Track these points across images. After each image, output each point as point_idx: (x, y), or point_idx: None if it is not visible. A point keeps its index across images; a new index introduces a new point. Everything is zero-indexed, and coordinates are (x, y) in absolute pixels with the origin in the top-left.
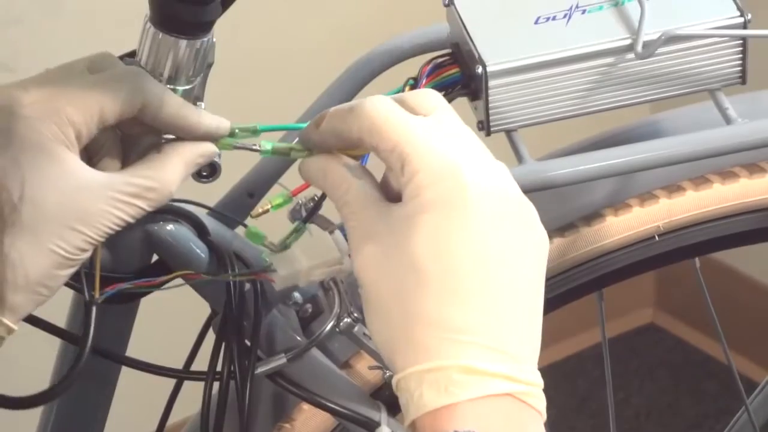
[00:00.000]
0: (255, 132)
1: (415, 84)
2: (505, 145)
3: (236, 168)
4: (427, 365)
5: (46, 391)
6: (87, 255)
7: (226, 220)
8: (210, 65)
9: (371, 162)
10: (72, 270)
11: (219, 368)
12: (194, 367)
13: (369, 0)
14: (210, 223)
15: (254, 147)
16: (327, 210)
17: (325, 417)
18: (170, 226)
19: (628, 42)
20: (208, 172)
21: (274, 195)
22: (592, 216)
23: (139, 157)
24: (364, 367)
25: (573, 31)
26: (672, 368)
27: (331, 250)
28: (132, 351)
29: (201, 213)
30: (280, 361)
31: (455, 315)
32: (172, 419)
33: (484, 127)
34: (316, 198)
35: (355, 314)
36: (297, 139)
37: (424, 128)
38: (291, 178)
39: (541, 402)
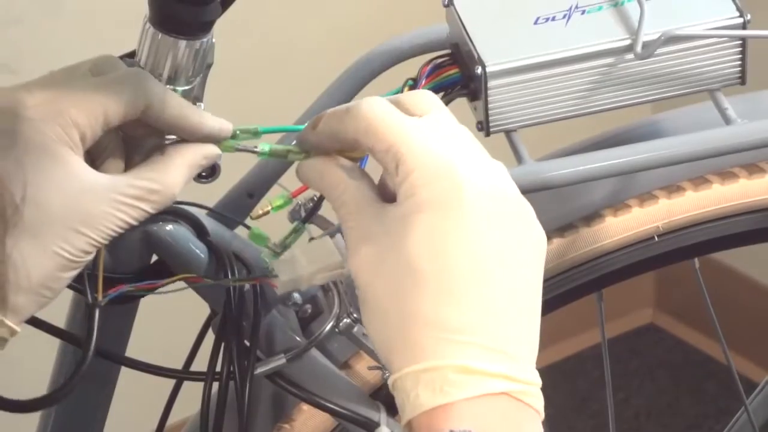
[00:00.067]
0: (256, 134)
1: (414, 84)
2: (504, 145)
3: (236, 168)
4: (423, 365)
5: (48, 395)
6: (90, 257)
7: (226, 221)
8: (209, 66)
9: (369, 165)
10: (75, 272)
11: (218, 368)
12: (194, 368)
13: (369, 0)
14: (209, 223)
15: (254, 149)
16: (326, 211)
17: (325, 417)
18: (170, 227)
19: (627, 42)
20: (207, 172)
21: (275, 196)
22: (592, 216)
23: (142, 159)
24: (364, 368)
25: (572, 31)
26: (672, 368)
27: (333, 253)
28: (132, 351)
29: (200, 213)
30: (279, 361)
31: (451, 315)
32: (172, 419)
33: (484, 127)
34: (315, 198)
35: (355, 315)
36: (295, 141)
37: (419, 129)
38: (290, 179)
39: (539, 401)
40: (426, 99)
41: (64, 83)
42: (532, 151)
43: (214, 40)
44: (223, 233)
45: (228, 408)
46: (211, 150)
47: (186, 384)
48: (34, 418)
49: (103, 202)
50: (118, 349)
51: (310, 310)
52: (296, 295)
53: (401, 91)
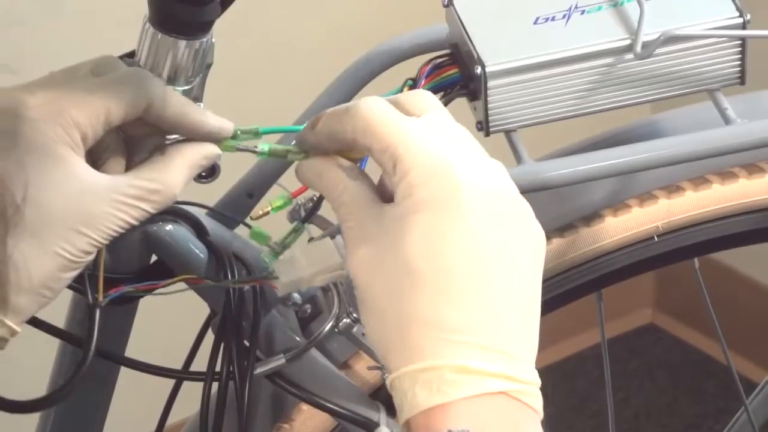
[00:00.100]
0: (256, 134)
1: (413, 85)
2: (504, 145)
3: (235, 168)
4: (421, 365)
5: (48, 395)
6: (91, 257)
7: (227, 220)
8: (209, 66)
9: (369, 166)
10: (75, 272)
11: (218, 368)
12: (193, 368)
13: (369, 0)
14: (209, 223)
15: (254, 149)
16: (326, 211)
17: (324, 417)
18: (169, 227)
19: (627, 42)
20: (207, 173)
21: (275, 197)
22: (592, 216)
23: (143, 159)
24: (363, 368)
25: (572, 31)
26: (671, 368)
27: (333, 255)
28: (131, 351)
29: (200, 213)
30: (279, 361)
31: (449, 315)
32: (172, 419)
33: (483, 127)
34: (314, 198)
35: (354, 315)
36: (294, 141)
37: (417, 128)
38: (290, 179)
39: (537, 400)
40: (424, 99)
41: (65, 84)
42: (532, 151)
43: (213, 40)
44: (223, 233)
45: (227, 408)
46: (212, 150)
47: (185, 384)
48: (34, 417)
49: (103, 203)
50: (118, 349)
51: (309, 310)
52: (296, 295)
53: (401, 91)
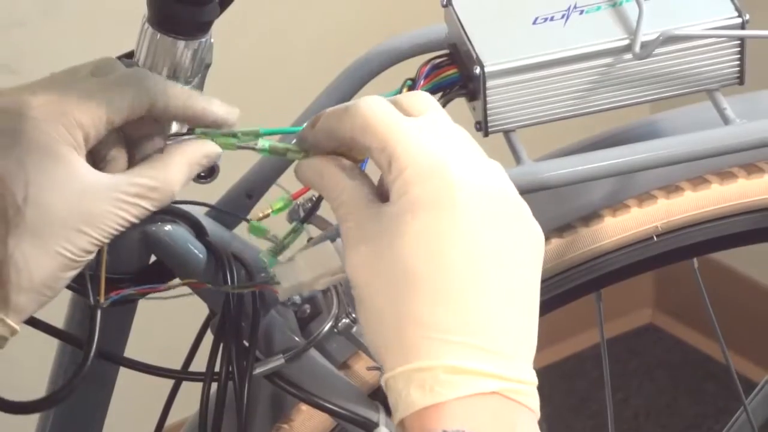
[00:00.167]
0: (257, 136)
1: (413, 85)
2: (503, 145)
3: (235, 168)
4: (416, 365)
5: (48, 396)
6: (91, 257)
7: (226, 220)
8: (208, 66)
9: (370, 167)
10: (76, 272)
11: (217, 369)
12: (192, 368)
13: (368, 0)
14: (208, 224)
15: (255, 146)
16: (325, 212)
17: (324, 417)
18: (168, 227)
19: (626, 42)
20: (206, 173)
21: (275, 199)
22: (591, 216)
23: (143, 158)
24: (363, 368)
25: (571, 31)
26: (671, 368)
27: (333, 258)
28: (130, 351)
29: (200, 214)
30: (278, 361)
31: (445, 315)
32: (171, 420)
33: (482, 127)
34: (314, 199)
35: (353, 315)
36: (294, 141)
37: (414, 128)
38: (289, 179)
39: (534, 400)
40: (422, 100)
41: (67, 84)
42: (531, 151)
43: (212, 40)
44: (222, 234)
45: (227, 408)
46: (212, 148)
47: (185, 384)
48: (33, 417)
49: (104, 201)
50: (117, 349)
51: (308, 311)
52: (295, 296)
53: (400, 91)
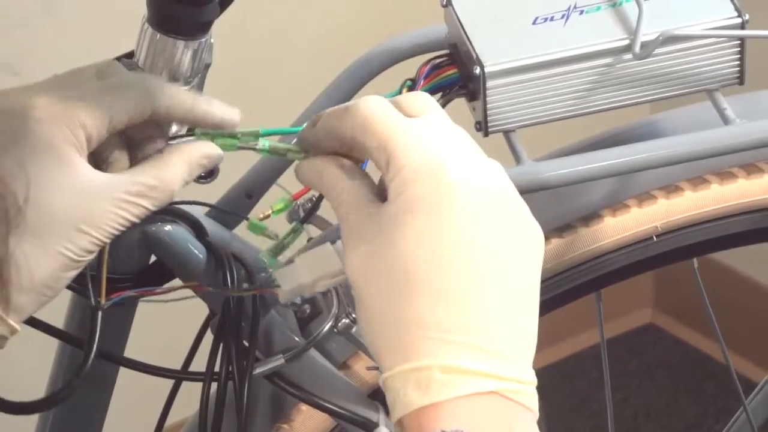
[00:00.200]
0: (257, 136)
1: (413, 85)
2: (503, 145)
3: (235, 168)
4: (413, 364)
5: (48, 397)
6: (92, 257)
7: (227, 219)
8: (208, 66)
9: (370, 168)
10: (76, 271)
11: (217, 369)
12: (192, 368)
13: (368, 0)
14: (208, 224)
15: (255, 146)
16: (325, 212)
17: (324, 417)
18: (168, 227)
19: (626, 42)
20: (206, 173)
21: (275, 201)
22: (590, 217)
23: (144, 159)
24: (362, 368)
25: (571, 31)
26: (671, 368)
27: (333, 260)
28: (130, 351)
29: (199, 214)
30: (278, 361)
31: (444, 315)
32: (171, 420)
33: (482, 127)
34: (314, 199)
35: (353, 315)
36: (295, 141)
37: (414, 128)
38: (289, 179)
39: (532, 400)
40: (421, 100)
41: (71, 87)
42: (531, 151)
43: (212, 40)
44: (222, 234)
45: (227, 408)
46: (212, 150)
47: (185, 384)
48: (33, 418)
49: (105, 201)
50: (117, 349)
51: (308, 311)
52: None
53: (400, 91)
